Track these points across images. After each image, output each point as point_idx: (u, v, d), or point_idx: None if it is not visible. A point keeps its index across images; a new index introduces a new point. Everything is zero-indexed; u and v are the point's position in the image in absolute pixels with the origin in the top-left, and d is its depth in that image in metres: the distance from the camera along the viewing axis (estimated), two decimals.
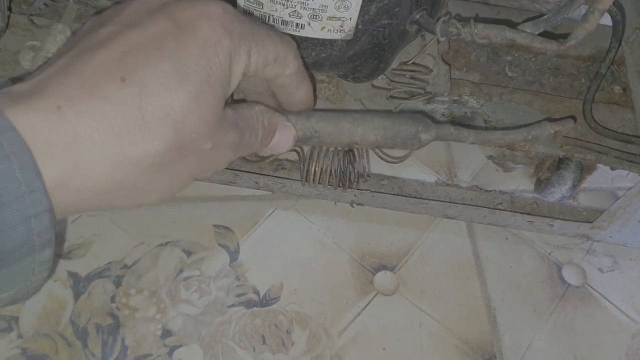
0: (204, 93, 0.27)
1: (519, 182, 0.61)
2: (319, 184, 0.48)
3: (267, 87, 0.37)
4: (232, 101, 0.36)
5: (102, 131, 0.24)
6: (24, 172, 0.22)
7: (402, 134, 0.42)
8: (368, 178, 0.50)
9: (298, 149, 0.49)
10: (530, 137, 0.43)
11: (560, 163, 0.57)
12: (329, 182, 0.48)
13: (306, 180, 0.48)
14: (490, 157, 0.62)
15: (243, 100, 0.38)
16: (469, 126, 0.47)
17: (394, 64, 0.52)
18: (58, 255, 0.55)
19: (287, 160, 0.54)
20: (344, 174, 0.49)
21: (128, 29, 0.27)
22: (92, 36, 0.27)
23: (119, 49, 0.26)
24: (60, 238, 0.55)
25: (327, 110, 0.44)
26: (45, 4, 0.53)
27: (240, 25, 0.29)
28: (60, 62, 0.26)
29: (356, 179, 0.49)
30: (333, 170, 0.48)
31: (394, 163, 0.48)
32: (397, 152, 0.49)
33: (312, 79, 0.39)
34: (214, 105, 0.27)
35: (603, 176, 0.62)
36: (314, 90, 0.39)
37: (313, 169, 0.47)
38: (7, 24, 0.52)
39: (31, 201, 0.23)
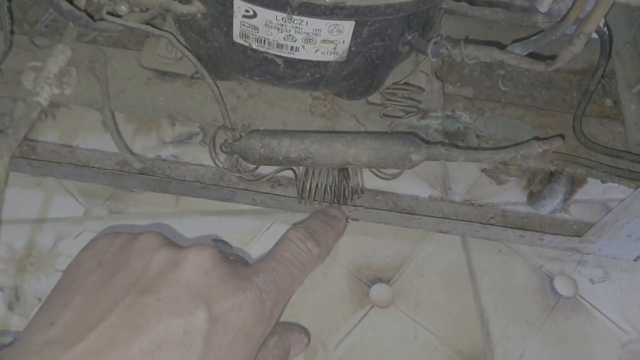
0: None
1: (512, 195, 0.62)
2: (314, 200, 0.50)
3: None
4: None
5: None
6: None
7: (394, 155, 0.43)
8: (362, 194, 0.51)
9: (293, 168, 0.50)
10: (518, 156, 0.45)
11: (552, 176, 0.58)
12: (324, 198, 0.49)
13: (302, 197, 0.49)
14: (484, 170, 0.63)
15: None
16: (458, 146, 0.49)
17: (388, 81, 0.54)
18: None
19: (283, 177, 0.56)
20: (339, 190, 0.50)
21: (167, 308, 0.27)
22: (128, 296, 0.27)
23: (154, 339, 0.26)
24: None
25: (320, 132, 0.45)
26: (46, 26, 0.54)
27: (273, 302, 0.30)
28: (92, 337, 0.25)
29: (350, 195, 0.50)
30: (328, 187, 0.49)
31: (388, 179, 0.49)
32: (391, 170, 0.50)
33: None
34: None
35: (595, 188, 0.63)
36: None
37: (308, 186, 0.49)
38: (10, 46, 0.53)
39: None
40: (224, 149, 0.47)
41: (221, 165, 0.48)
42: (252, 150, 0.45)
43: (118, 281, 0.28)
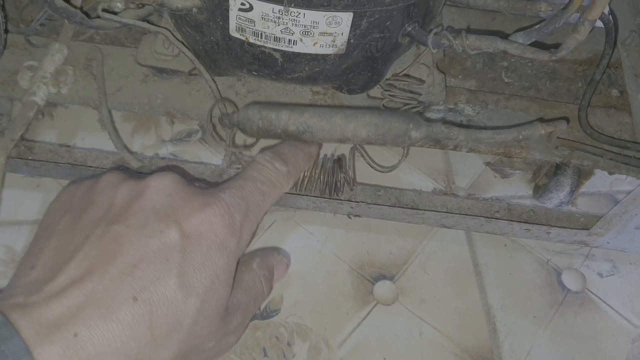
0: (209, 301, 0.28)
1: (517, 188, 0.61)
2: (306, 189, 0.49)
3: None
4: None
5: (115, 352, 0.25)
6: None
7: (393, 131, 0.42)
8: (354, 187, 0.50)
9: None
10: (521, 137, 0.43)
11: (558, 169, 0.57)
12: (316, 188, 0.49)
13: (294, 187, 0.48)
14: (487, 164, 0.62)
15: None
16: (459, 125, 0.47)
17: (389, 74, 0.53)
18: None
19: None
20: (332, 180, 0.49)
21: (137, 232, 0.28)
22: (98, 228, 0.28)
23: (129, 260, 0.27)
24: None
25: (321, 106, 0.44)
26: (42, 24, 0.53)
27: (243, 215, 0.31)
28: (70, 269, 0.26)
29: (342, 187, 0.49)
30: (322, 177, 0.48)
31: (384, 172, 0.48)
32: (388, 161, 0.49)
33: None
34: (217, 309, 0.29)
35: (602, 180, 0.62)
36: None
37: (302, 175, 0.48)
38: (5, 46, 0.52)
39: None
40: (222, 121, 0.46)
41: (218, 139, 0.47)
42: (251, 122, 0.43)
43: (87, 219, 0.29)
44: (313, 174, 0.48)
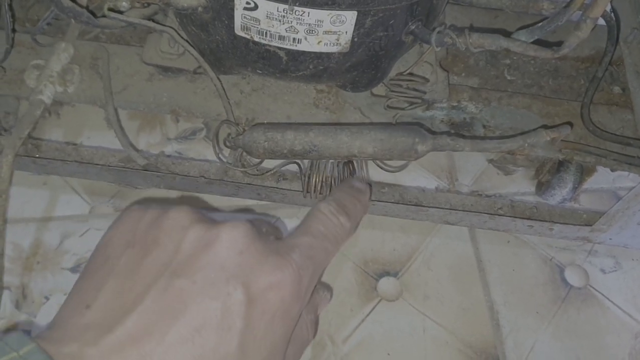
0: None
1: (520, 185, 0.62)
2: (320, 194, 0.49)
3: None
4: None
5: None
6: None
7: (400, 146, 0.43)
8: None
9: (298, 162, 0.49)
10: (526, 144, 0.44)
11: (560, 166, 0.57)
12: (329, 192, 0.49)
13: (307, 192, 0.48)
14: (491, 161, 0.62)
15: None
16: (465, 136, 0.48)
17: (392, 72, 0.53)
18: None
19: (288, 170, 0.55)
20: None
21: (202, 292, 0.26)
22: (162, 279, 0.26)
23: (191, 324, 0.25)
24: None
25: (324, 124, 0.44)
26: (48, 23, 0.54)
27: (310, 278, 0.29)
28: (129, 322, 0.25)
29: None
30: (333, 181, 0.48)
31: (393, 172, 0.49)
32: (396, 162, 0.49)
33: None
34: None
35: (604, 177, 0.62)
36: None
37: (314, 180, 0.48)
38: (12, 45, 0.53)
39: None
40: (227, 143, 0.47)
41: (225, 160, 0.48)
42: (257, 144, 0.44)
43: (150, 262, 0.27)
44: (324, 178, 0.48)
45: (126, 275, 0.27)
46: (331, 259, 0.32)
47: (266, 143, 0.44)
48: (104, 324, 0.25)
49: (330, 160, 0.49)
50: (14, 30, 0.53)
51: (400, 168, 0.51)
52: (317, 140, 0.43)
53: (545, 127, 0.46)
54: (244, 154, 0.47)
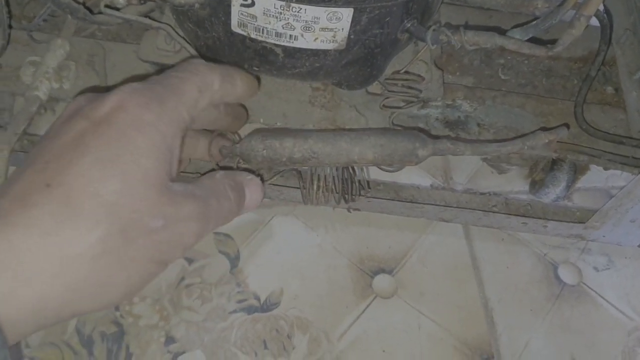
0: (133, 172, 0.27)
1: (514, 184, 0.62)
2: (321, 199, 0.48)
3: (217, 109, 0.38)
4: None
5: (36, 235, 0.24)
6: None
7: (400, 151, 0.43)
8: (369, 190, 0.50)
9: (298, 169, 0.49)
10: (525, 147, 0.44)
11: (554, 164, 0.57)
12: (329, 198, 0.48)
13: (308, 198, 0.48)
14: (485, 160, 0.63)
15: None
16: (464, 140, 0.48)
17: (388, 71, 0.53)
18: None
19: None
20: (345, 189, 0.49)
21: (48, 141, 0.28)
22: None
23: (41, 161, 0.27)
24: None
25: (323, 130, 0.44)
26: (44, 20, 0.54)
27: (155, 93, 0.30)
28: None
29: (357, 192, 0.49)
30: (334, 187, 0.48)
31: (391, 172, 0.49)
32: None
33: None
34: (148, 180, 0.28)
35: (597, 176, 0.63)
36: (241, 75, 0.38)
37: (315, 187, 0.47)
38: (8, 41, 0.53)
39: None
40: (223, 152, 0.44)
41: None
42: (254, 153, 0.43)
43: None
44: (325, 184, 0.47)
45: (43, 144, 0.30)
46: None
47: (264, 151, 0.42)
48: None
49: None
50: (10, 27, 0.53)
51: (399, 168, 0.51)
52: (316, 147, 0.42)
53: (543, 129, 0.47)
54: (241, 161, 0.45)
